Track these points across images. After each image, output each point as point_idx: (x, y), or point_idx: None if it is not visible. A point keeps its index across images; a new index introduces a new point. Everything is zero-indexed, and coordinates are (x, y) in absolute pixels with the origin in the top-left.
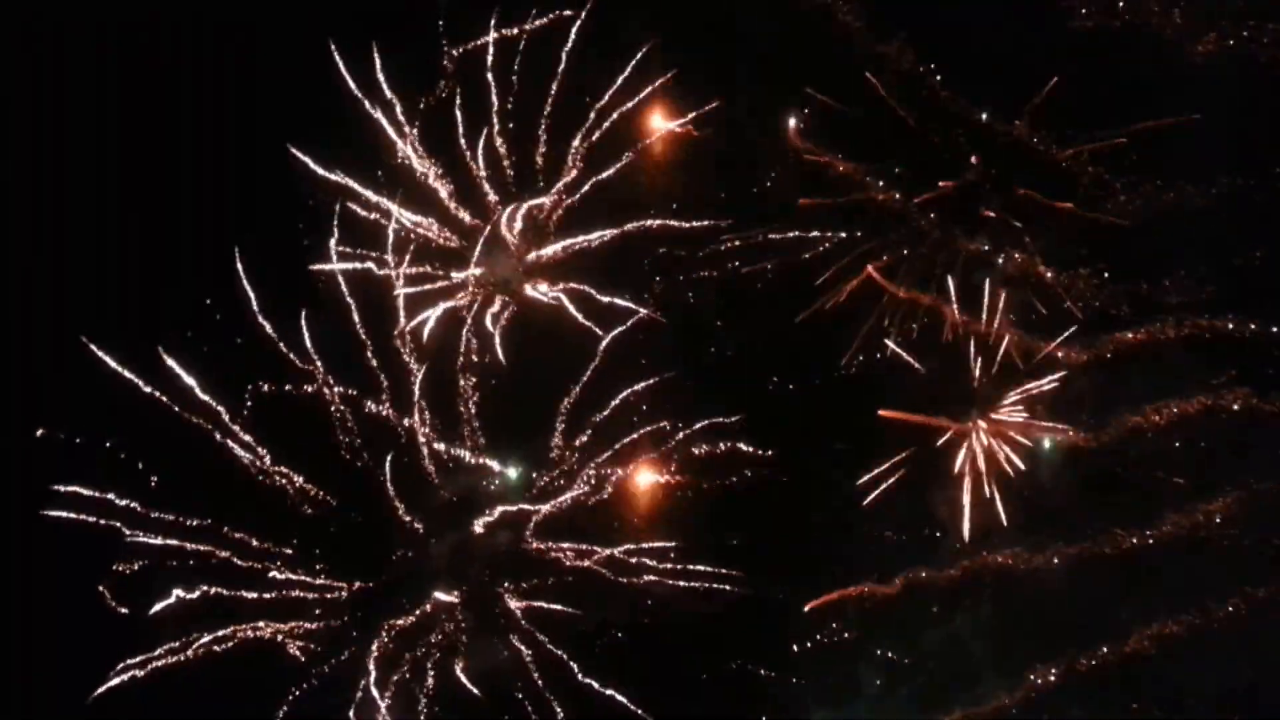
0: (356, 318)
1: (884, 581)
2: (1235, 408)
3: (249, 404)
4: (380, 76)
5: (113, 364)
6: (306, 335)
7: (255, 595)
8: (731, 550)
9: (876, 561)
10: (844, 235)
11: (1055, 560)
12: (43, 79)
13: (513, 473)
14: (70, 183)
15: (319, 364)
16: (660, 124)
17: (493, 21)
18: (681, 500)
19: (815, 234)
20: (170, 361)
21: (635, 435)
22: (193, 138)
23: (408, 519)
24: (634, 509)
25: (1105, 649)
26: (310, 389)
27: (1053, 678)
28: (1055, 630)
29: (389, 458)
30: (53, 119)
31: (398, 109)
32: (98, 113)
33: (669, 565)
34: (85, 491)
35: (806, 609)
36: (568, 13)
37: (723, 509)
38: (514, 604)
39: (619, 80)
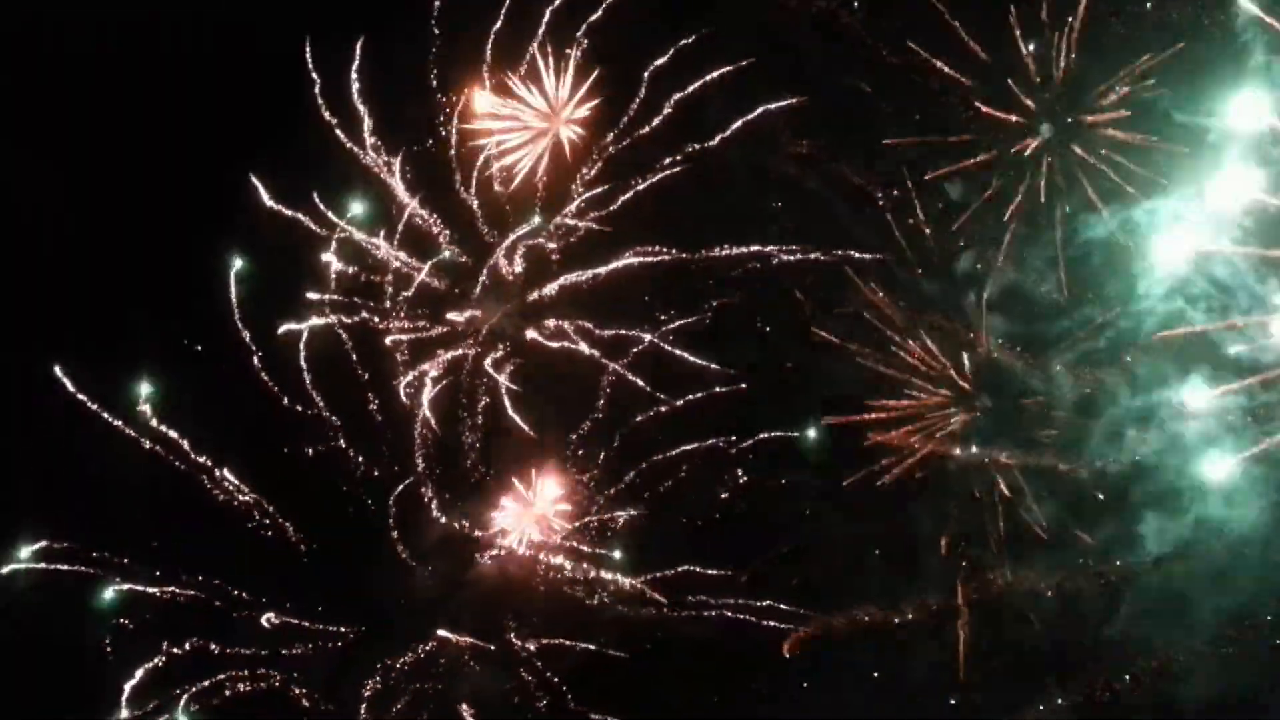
0: (357, 365)
1: (882, 607)
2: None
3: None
4: (370, 135)
5: (99, 409)
6: (307, 381)
7: (250, 645)
8: (727, 578)
9: (876, 588)
10: (838, 252)
11: (1056, 582)
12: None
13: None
14: (70, 224)
15: (321, 407)
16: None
17: (485, 67)
18: (678, 528)
19: (815, 256)
20: (146, 407)
21: (644, 465)
22: (189, 188)
23: (410, 560)
24: (634, 538)
25: (1106, 671)
26: (320, 449)
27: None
28: (1056, 654)
29: (391, 500)
30: (25, 147)
31: (395, 165)
32: (97, 167)
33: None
34: (72, 545)
35: (785, 650)
36: (567, 50)
37: (717, 536)
38: (514, 636)
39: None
